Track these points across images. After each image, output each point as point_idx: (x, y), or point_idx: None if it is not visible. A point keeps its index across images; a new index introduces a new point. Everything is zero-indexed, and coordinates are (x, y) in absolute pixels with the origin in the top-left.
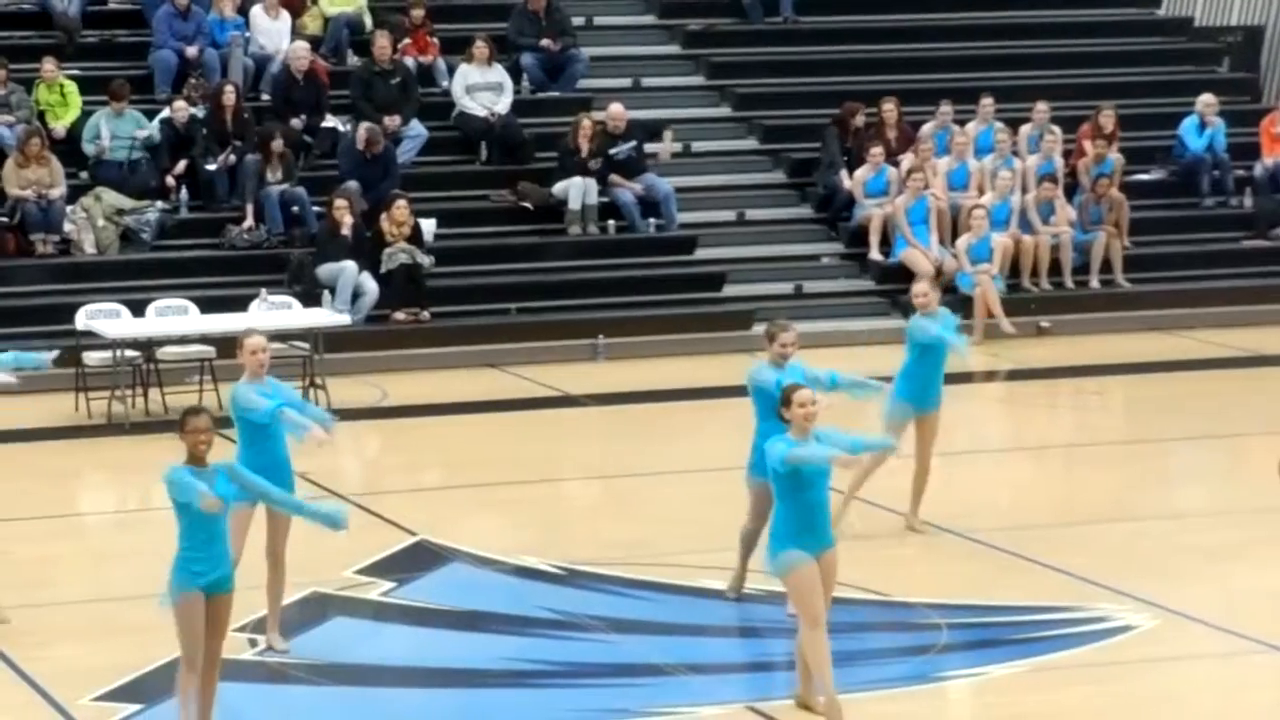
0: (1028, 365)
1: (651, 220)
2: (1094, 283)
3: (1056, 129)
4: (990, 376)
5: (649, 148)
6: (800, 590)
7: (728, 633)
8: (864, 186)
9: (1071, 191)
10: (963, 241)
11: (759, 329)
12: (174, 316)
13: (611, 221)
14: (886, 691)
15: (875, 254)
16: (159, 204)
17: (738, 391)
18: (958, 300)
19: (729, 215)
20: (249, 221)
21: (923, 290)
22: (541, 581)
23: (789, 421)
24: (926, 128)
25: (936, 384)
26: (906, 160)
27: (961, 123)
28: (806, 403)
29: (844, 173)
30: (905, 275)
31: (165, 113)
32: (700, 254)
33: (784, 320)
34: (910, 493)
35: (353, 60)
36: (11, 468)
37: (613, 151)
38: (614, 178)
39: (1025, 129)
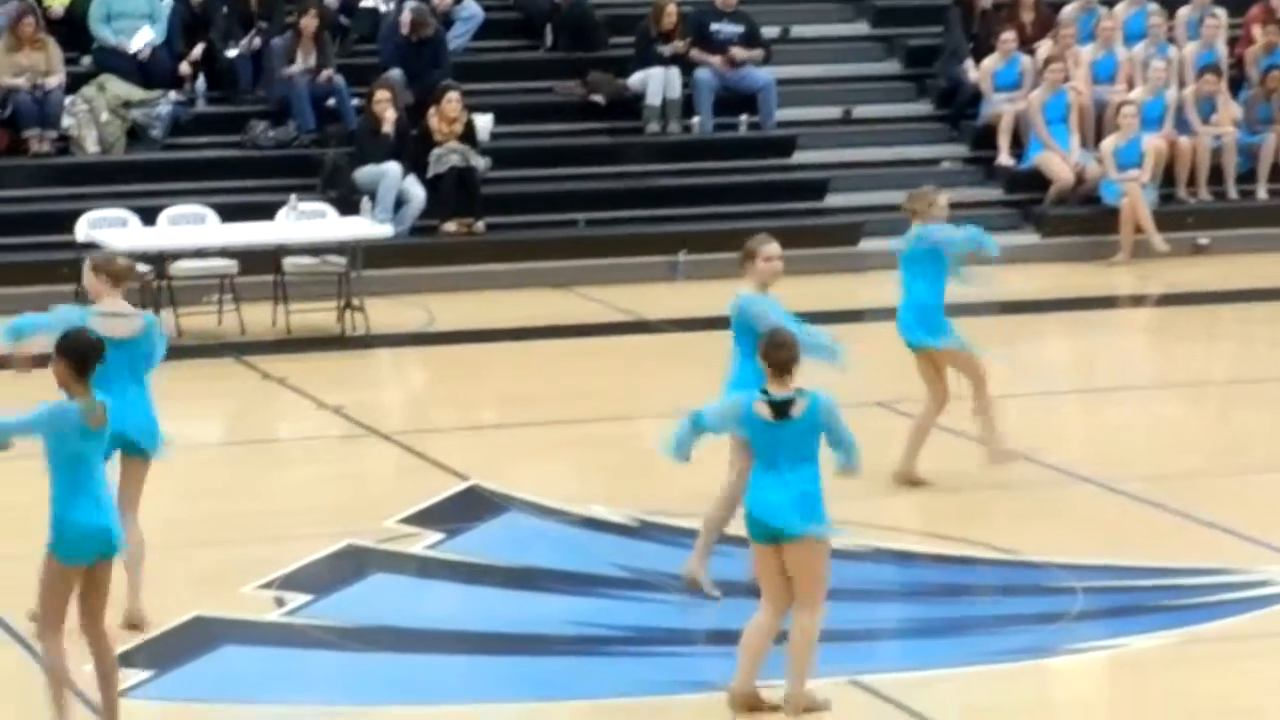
0: (1182, 288)
1: (744, 117)
2: (1261, 193)
3: (1220, 12)
4: (1138, 302)
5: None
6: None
7: (828, 595)
8: (993, 78)
9: (1237, 86)
10: (1108, 144)
11: (868, 245)
12: (190, 226)
13: (696, 118)
14: (1010, 665)
15: (1005, 158)
16: (172, 95)
17: (841, 317)
18: (1102, 212)
19: (833, 112)
20: (273, 122)
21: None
22: (610, 534)
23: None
24: (1068, 9)
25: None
26: (1044, 48)
27: (1109, 4)
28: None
29: (969, 62)
30: (1040, 182)
31: None
32: (800, 157)
33: (764, 234)
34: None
35: None
36: (5, 398)
37: (715, 27)
38: (696, 53)
39: (1183, 12)
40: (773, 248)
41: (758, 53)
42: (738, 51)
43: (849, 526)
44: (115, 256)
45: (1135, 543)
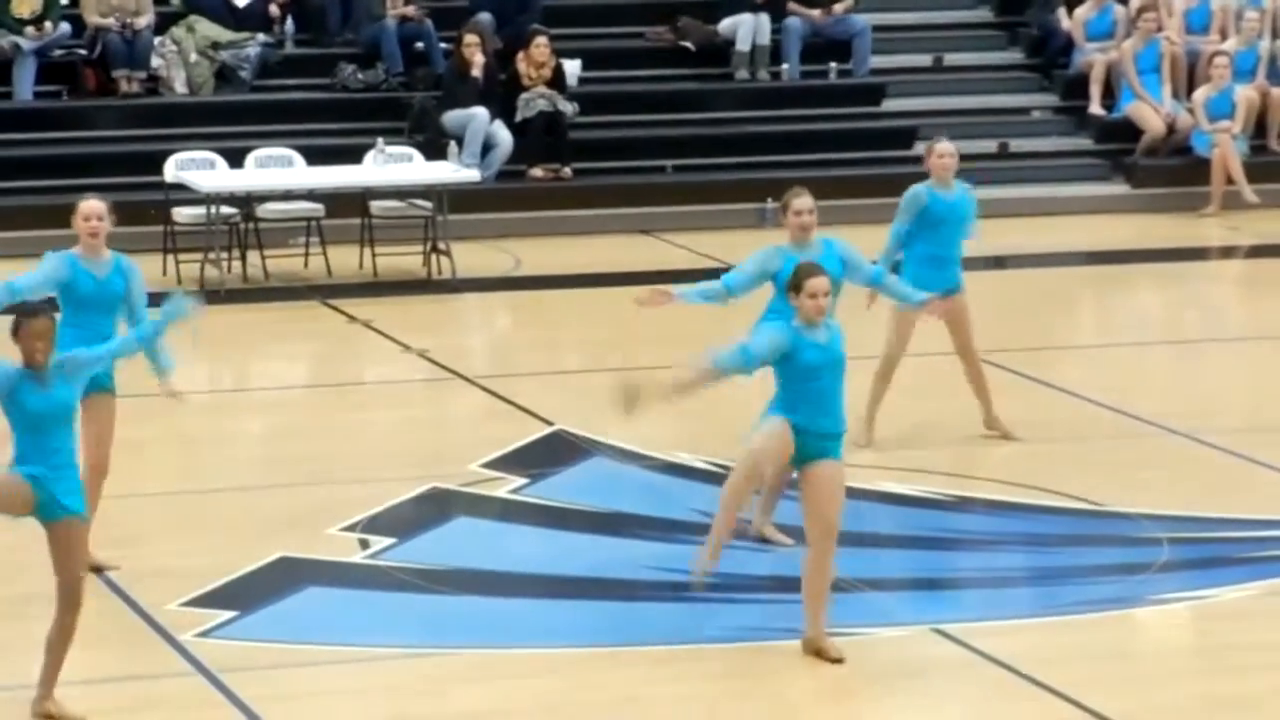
0: (1273, 240)
1: (833, 64)
2: None
3: None
4: (1229, 253)
5: None
6: (756, 447)
7: (911, 544)
8: (1085, 27)
9: None
10: (1200, 94)
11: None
12: (277, 168)
13: (785, 65)
14: (1094, 615)
15: (1096, 107)
16: (261, 37)
17: None
18: (1193, 163)
19: (924, 59)
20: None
21: (949, 150)
22: (695, 480)
23: (797, 309)
24: None
25: (956, 260)
26: None
27: None
28: (819, 293)
29: (1062, 10)
30: (1131, 133)
31: None
32: (890, 105)
33: (799, 188)
34: (976, 396)
35: None
36: None
37: None
38: (793, 5)
39: None
40: (802, 201)
41: (848, 2)
42: (836, 7)
43: (936, 475)
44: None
45: (1223, 494)
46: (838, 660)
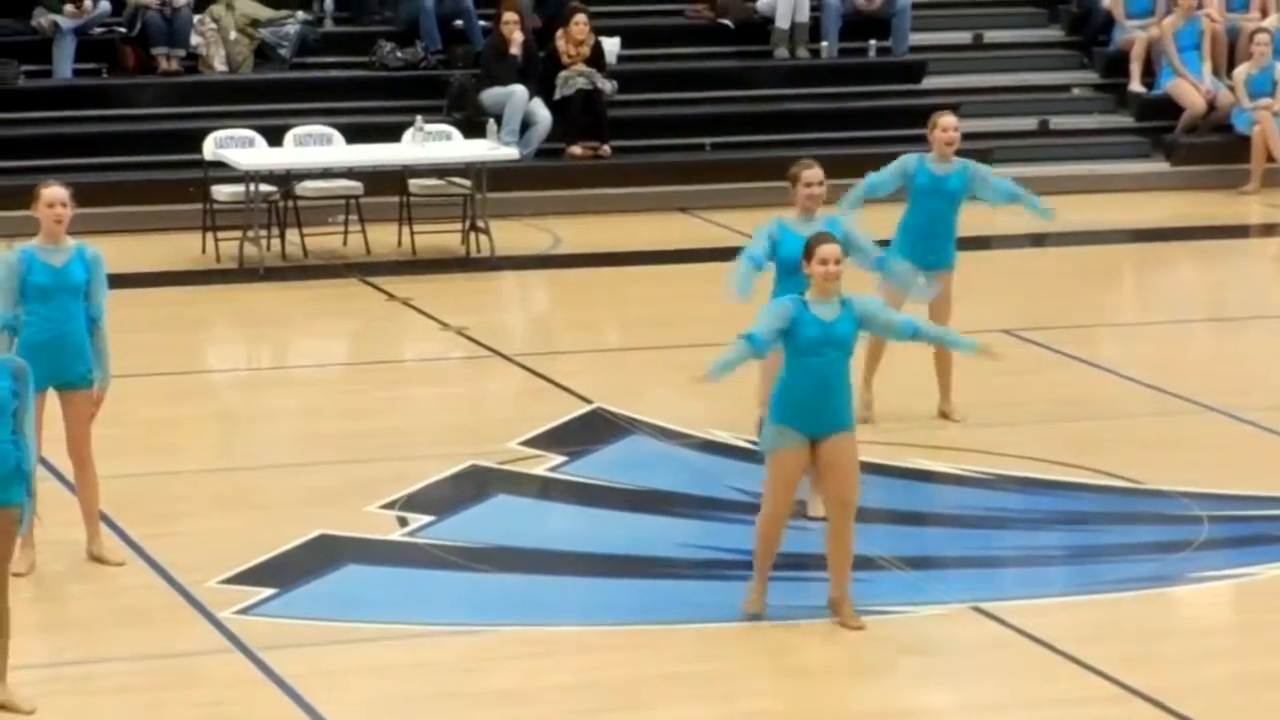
0: None
1: (873, 42)
2: None
3: None
4: (1269, 231)
5: None
6: (772, 477)
7: (950, 522)
8: (1125, 4)
9: None
10: (1241, 71)
11: (998, 171)
12: (316, 146)
13: (824, 43)
14: (1135, 592)
15: (1136, 85)
16: (300, 15)
17: (974, 243)
18: (1233, 141)
19: (964, 37)
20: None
21: (951, 124)
22: (733, 459)
23: (809, 278)
24: None
25: (947, 237)
26: None
27: None
28: (829, 259)
29: None
30: (1171, 110)
31: None
32: (929, 82)
33: (808, 159)
34: (937, 379)
35: None
36: (130, 317)
37: None
38: None
39: None
40: (812, 173)
41: None
42: None
43: (974, 454)
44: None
45: (1263, 473)
46: (858, 628)
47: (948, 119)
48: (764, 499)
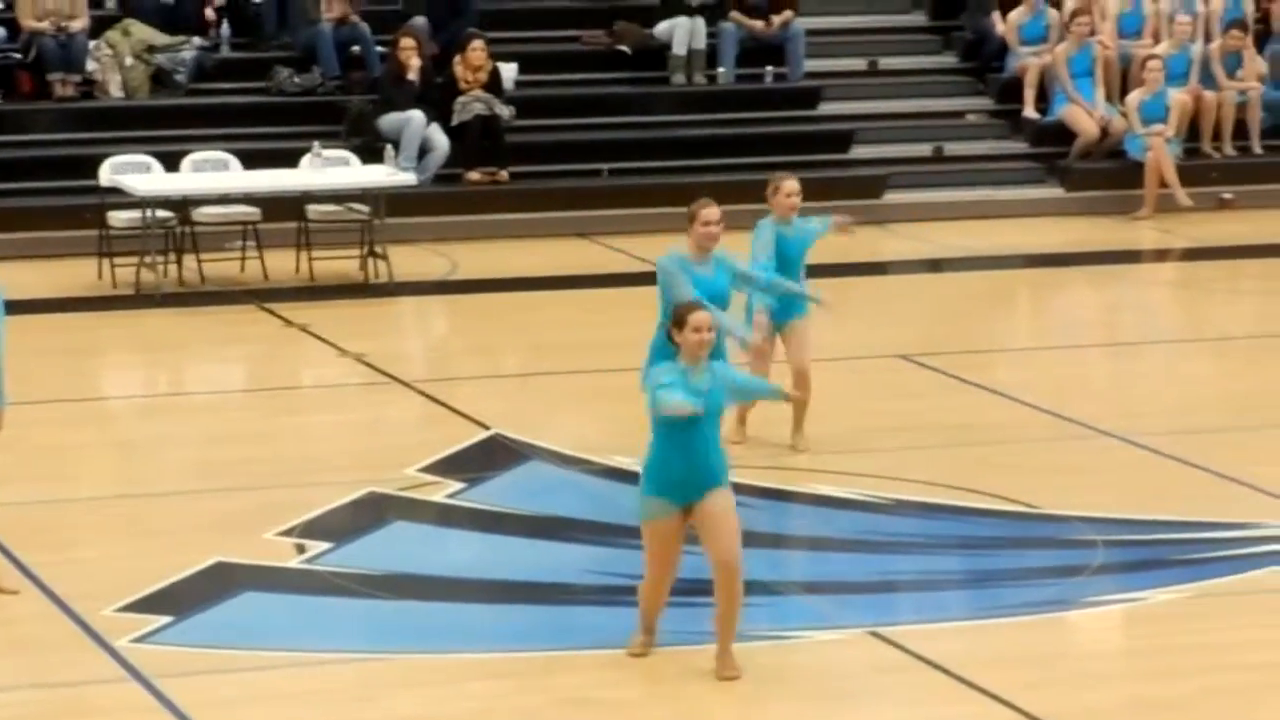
0: (1206, 243)
1: (769, 68)
2: None
3: None
4: (1162, 256)
5: None
6: (649, 548)
7: (848, 546)
8: (1019, 31)
9: (1262, 41)
10: (1134, 98)
11: (893, 198)
12: (213, 172)
13: (720, 69)
14: (1030, 617)
15: (1030, 111)
16: (197, 40)
17: (869, 269)
18: (1127, 166)
19: (859, 63)
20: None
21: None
22: (633, 484)
23: (678, 346)
24: None
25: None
26: (1070, 1)
27: None
28: (702, 327)
29: (996, 14)
30: (1064, 136)
31: None
32: (825, 108)
33: (706, 198)
34: (794, 414)
35: None
36: (26, 343)
37: None
38: (735, 14)
39: None
40: (710, 212)
41: (788, 14)
42: (775, 19)
43: (871, 479)
44: None
45: (1157, 497)
46: (732, 678)
47: (790, 184)
48: (645, 565)
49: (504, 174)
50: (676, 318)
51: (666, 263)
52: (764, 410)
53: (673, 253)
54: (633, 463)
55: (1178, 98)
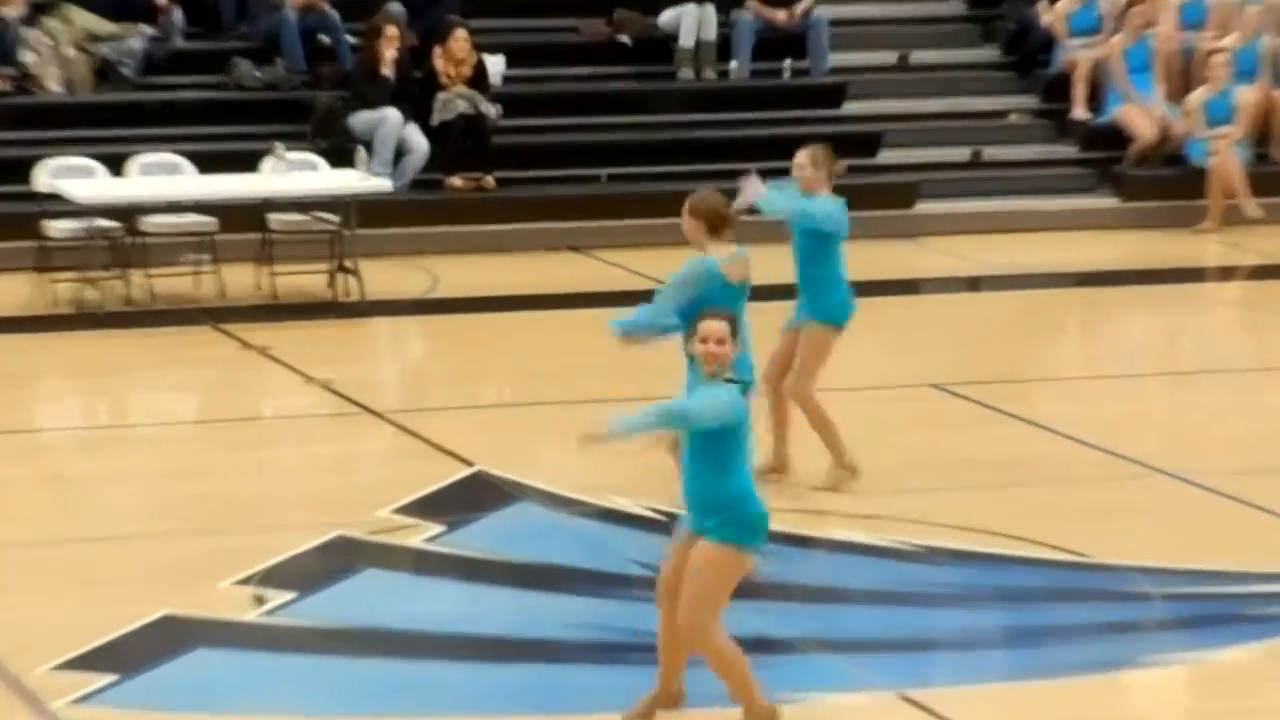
0: (1277, 259)
1: (787, 62)
2: None
3: None
4: (1228, 274)
5: None
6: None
7: (874, 599)
8: (1068, 21)
9: None
10: (1197, 96)
11: (925, 208)
12: (163, 177)
13: (733, 63)
14: (1079, 679)
15: (1080, 111)
16: (146, 29)
17: (898, 288)
18: (1188, 173)
19: (888, 57)
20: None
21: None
22: (633, 528)
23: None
24: None
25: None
26: None
27: None
28: (710, 338)
29: (1042, 3)
30: (1119, 139)
31: None
32: (850, 108)
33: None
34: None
35: None
36: None
37: None
38: (750, 2)
39: None
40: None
41: (810, 2)
42: (795, 8)
43: (899, 522)
44: None
45: (1222, 545)
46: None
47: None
48: None
49: (490, 180)
50: (692, 324)
51: (697, 265)
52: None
53: (708, 259)
54: (631, 504)
55: (1246, 96)
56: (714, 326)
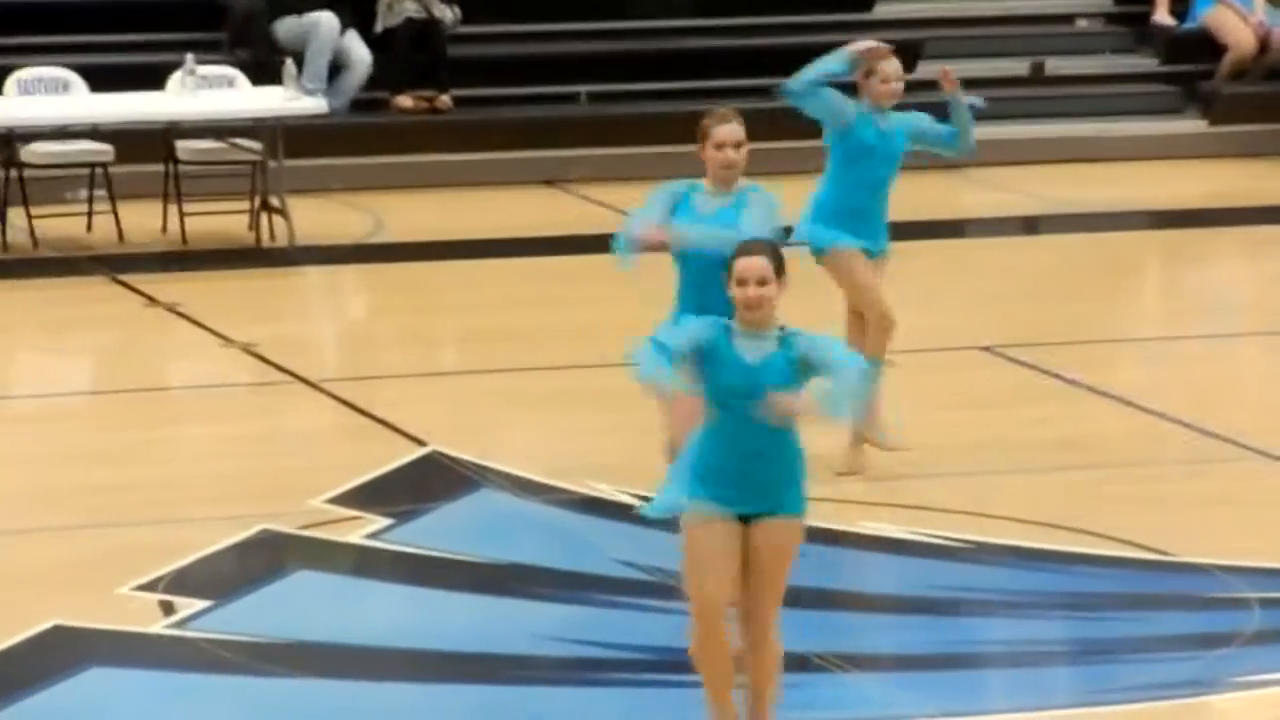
0: None
1: None
2: None
3: None
4: None
5: None
6: (687, 559)
7: (916, 607)
8: None
9: None
10: None
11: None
12: (48, 96)
13: None
14: (1166, 702)
15: (1163, 15)
16: None
17: (942, 229)
18: None
19: None
20: None
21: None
22: (614, 519)
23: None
24: None
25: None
26: None
27: None
28: (749, 279)
29: None
30: (1209, 49)
31: None
32: (883, 10)
33: (724, 109)
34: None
35: None
36: None
37: None
38: None
39: None
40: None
41: None
42: None
43: (944, 514)
44: None
45: None
46: None
47: (890, 66)
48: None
49: (445, 99)
50: (727, 263)
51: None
52: None
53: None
54: (615, 490)
55: None
56: (752, 265)
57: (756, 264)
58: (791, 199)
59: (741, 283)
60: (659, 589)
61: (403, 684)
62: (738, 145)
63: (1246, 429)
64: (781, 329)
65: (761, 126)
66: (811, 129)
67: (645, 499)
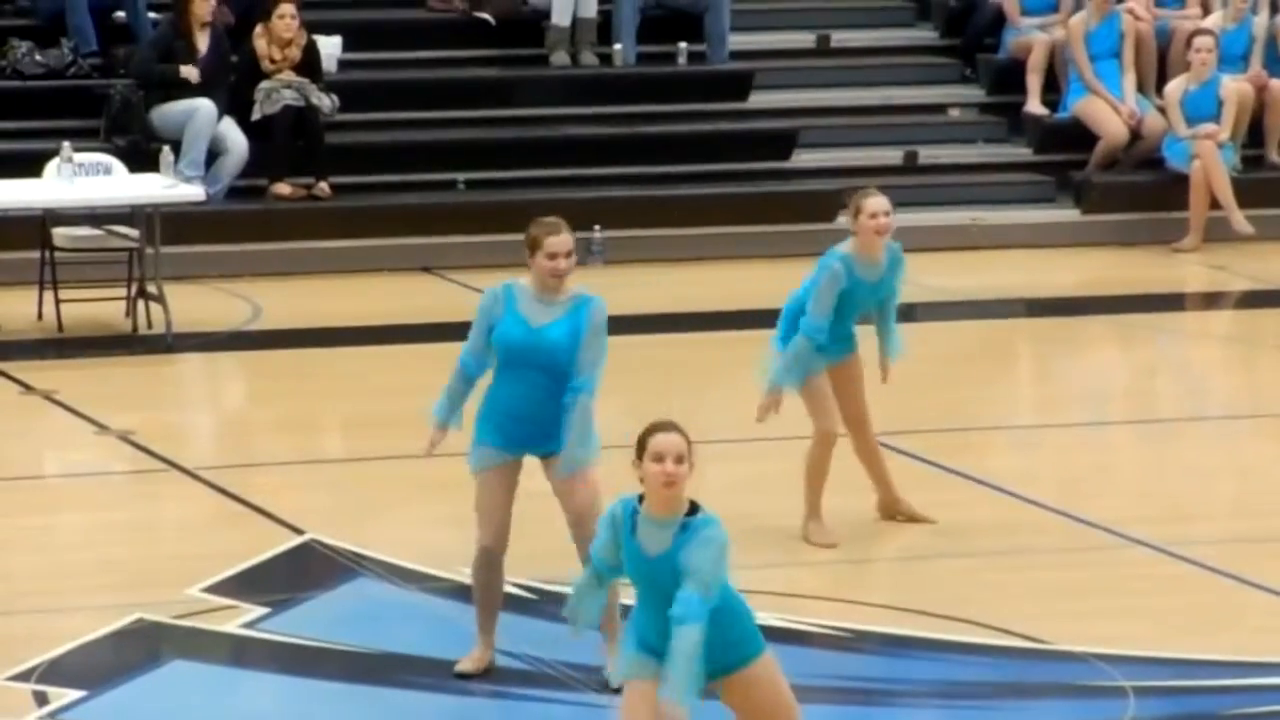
0: (1272, 284)
1: (683, 45)
2: None
3: None
4: (1213, 301)
5: None
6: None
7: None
8: None
9: None
10: (1175, 87)
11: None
12: None
13: (617, 46)
14: None
15: (1035, 105)
16: None
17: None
18: (1165, 180)
19: (805, 39)
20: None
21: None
22: (502, 610)
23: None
24: None
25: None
26: None
27: None
28: (667, 455)
29: None
30: (1082, 139)
31: None
32: (758, 100)
33: (553, 219)
34: (870, 476)
35: None
36: None
37: None
38: None
39: None
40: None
41: None
42: None
43: (816, 600)
44: None
45: (1206, 627)
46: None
47: (876, 200)
48: None
49: (324, 186)
50: (639, 441)
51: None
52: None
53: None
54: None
55: (1234, 88)
56: (671, 441)
57: (674, 440)
58: (668, 282)
59: (659, 459)
60: (541, 679)
61: None
62: (569, 254)
63: (1120, 517)
64: (690, 514)
65: (634, 211)
66: (678, 218)
67: (524, 587)
